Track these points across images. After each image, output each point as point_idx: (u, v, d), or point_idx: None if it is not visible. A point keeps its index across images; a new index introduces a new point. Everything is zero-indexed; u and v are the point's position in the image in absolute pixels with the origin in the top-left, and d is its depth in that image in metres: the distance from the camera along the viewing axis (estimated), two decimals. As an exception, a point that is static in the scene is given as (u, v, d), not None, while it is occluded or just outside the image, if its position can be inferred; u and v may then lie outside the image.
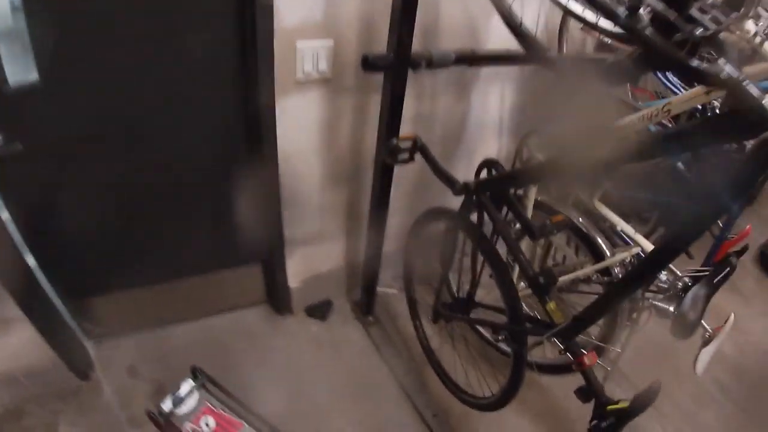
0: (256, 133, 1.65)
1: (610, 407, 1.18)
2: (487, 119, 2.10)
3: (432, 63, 1.55)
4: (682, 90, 1.79)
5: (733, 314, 1.42)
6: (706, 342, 1.41)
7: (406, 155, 1.55)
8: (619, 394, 1.37)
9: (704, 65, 0.87)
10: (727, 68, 0.82)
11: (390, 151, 1.54)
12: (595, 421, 1.20)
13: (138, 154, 1.59)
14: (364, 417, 1.83)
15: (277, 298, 2.17)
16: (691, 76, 0.97)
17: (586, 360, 1.27)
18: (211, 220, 1.87)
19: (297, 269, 2.09)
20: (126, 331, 1.97)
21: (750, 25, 1.40)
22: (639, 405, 1.12)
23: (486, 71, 1.94)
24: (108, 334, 1.94)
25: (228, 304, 2.17)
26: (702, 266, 1.67)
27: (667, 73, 1.76)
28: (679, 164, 1.93)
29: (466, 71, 1.87)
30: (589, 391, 1.25)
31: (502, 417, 1.77)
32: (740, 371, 2.08)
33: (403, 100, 1.55)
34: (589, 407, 1.28)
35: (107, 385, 1.82)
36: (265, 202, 1.83)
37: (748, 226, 1.68)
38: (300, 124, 1.69)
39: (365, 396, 1.91)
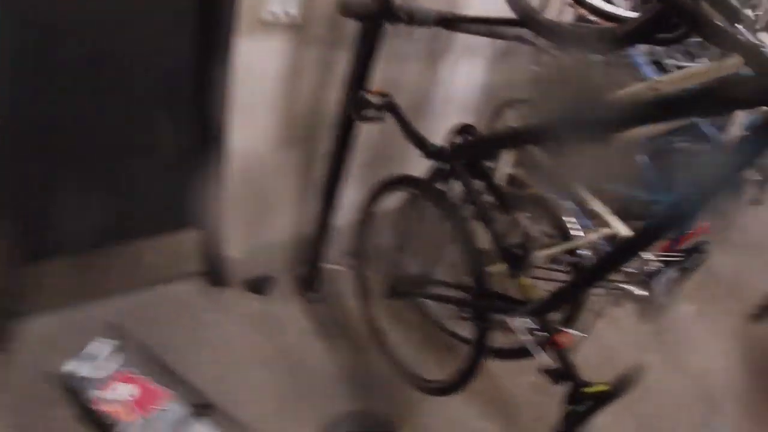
0: (208, 74, 1.41)
1: (587, 390, 1.06)
2: (454, 95, 1.96)
3: (413, 19, 1.40)
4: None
5: (692, 306, 1.36)
6: (659, 331, 1.35)
7: (373, 113, 1.39)
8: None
9: (726, 26, 0.79)
10: (746, 33, 0.77)
11: (357, 105, 1.36)
12: (571, 406, 1.08)
13: (58, 93, 1.29)
14: (301, 399, 1.62)
15: (214, 269, 1.91)
16: (712, 36, 0.87)
17: (562, 339, 1.14)
18: (143, 177, 1.59)
19: (237, 238, 1.85)
20: (46, 304, 1.64)
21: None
22: (622, 386, 1.00)
23: (459, 44, 1.81)
24: (25, 307, 1.61)
25: (160, 275, 1.87)
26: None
27: (644, 58, 1.71)
28: (644, 157, 1.89)
29: (439, 40, 1.74)
30: (564, 373, 1.12)
31: (449, 403, 1.62)
32: (677, 364, 2.05)
33: (376, 53, 1.38)
34: (539, 393, 1.17)
35: (22, 361, 1.50)
36: (209, 158, 1.58)
37: (706, 222, 1.65)
38: (259, 71, 1.47)
39: (304, 377, 1.70)
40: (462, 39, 1.78)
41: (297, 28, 1.44)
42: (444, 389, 1.51)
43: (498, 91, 2.01)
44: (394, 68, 1.72)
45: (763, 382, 2.19)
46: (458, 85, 1.95)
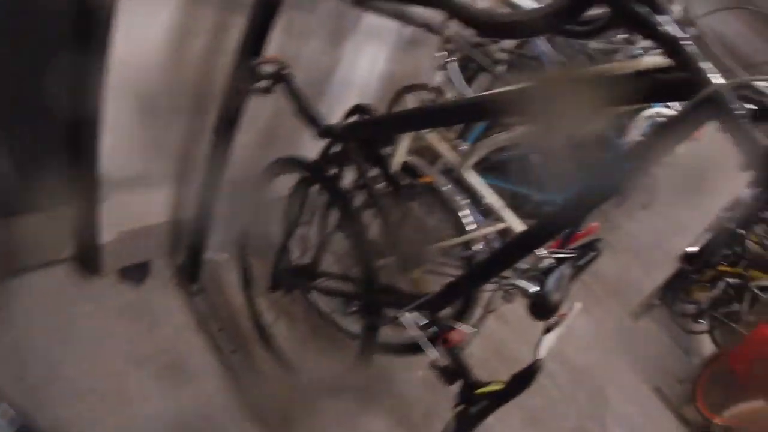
0: (86, 21, 1.18)
1: (480, 390, 0.99)
2: (354, 78, 1.83)
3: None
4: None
5: (579, 303, 1.34)
6: (549, 328, 1.32)
7: (265, 83, 1.24)
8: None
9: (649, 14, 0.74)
10: (669, 25, 0.72)
11: (248, 73, 1.21)
12: (462, 406, 1.00)
13: None
14: (178, 401, 1.45)
15: (84, 254, 1.66)
16: (635, 24, 0.83)
17: (453, 337, 1.06)
18: (3, 147, 1.32)
19: (111, 220, 1.59)
20: None
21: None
22: (517, 386, 0.93)
23: (364, 26, 1.69)
24: None
25: (22, 261, 1.58)
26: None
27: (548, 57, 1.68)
28: (533, 155, 1.88)
29: (344, 19, 1.61)
30: (456, 372, 1.04)
31: (336, 400, 1.53)
32: (564, 360, 2.08)
33: (274, 17, 1.21)
34: (429, 389, 1.09)
35: None
36: (81, 122, 1.34)
37: (596, 223, 1.66)
38: (147, 25, 1.25)
39: (182, 376, 1.52)
40: (368, 21, 1.67)
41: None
42: (331, 386, 1.40)
43: (401, 80, 1.92)
44: (293, 43, 1.57)
45: (640, 370, 2.30)
46: (360, 68, 1.82)
